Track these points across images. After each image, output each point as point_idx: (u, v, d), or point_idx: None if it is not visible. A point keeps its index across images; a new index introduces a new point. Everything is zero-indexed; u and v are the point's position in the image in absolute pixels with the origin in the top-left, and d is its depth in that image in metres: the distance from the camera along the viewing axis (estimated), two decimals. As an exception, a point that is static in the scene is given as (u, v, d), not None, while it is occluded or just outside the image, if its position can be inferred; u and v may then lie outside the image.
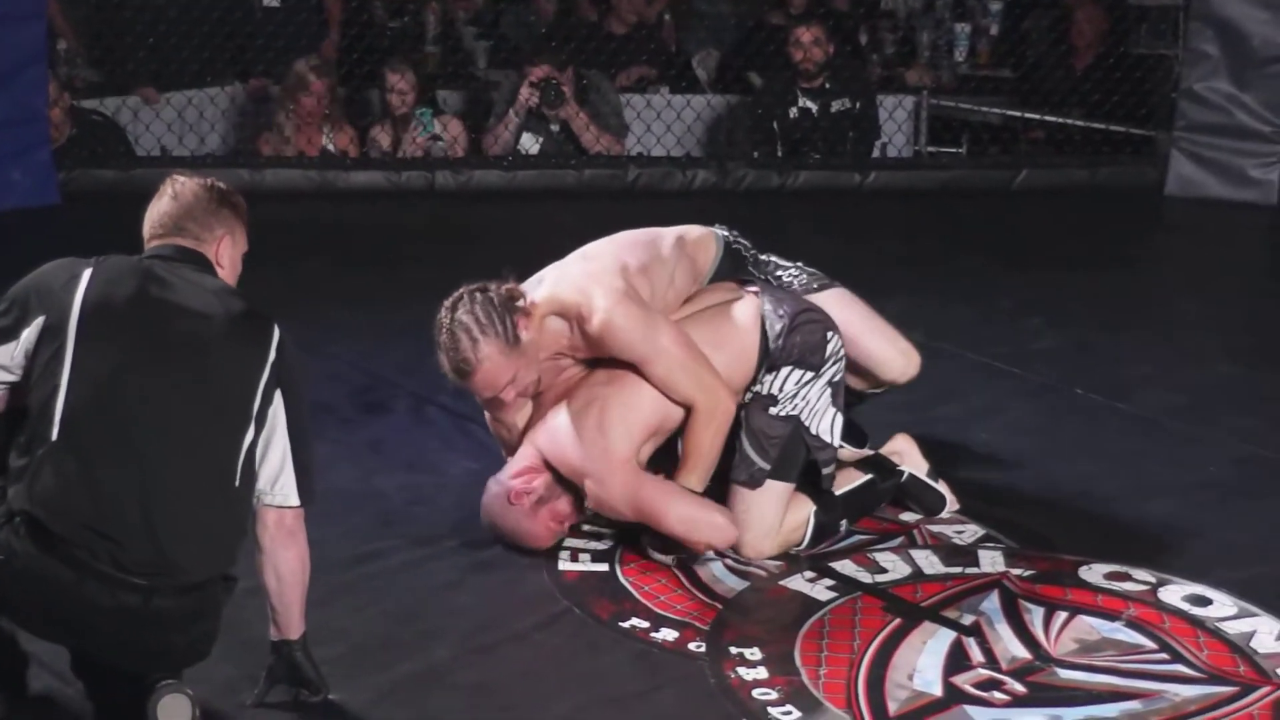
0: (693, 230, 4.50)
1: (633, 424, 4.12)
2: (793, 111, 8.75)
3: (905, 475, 4.52)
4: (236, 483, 3.24)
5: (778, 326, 4.25)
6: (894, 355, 4.63)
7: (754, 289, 4.37)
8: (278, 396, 3.28)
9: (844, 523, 4.37)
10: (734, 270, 4.46)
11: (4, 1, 7.52)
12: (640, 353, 4.12)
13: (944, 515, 4.54)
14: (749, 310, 4.29)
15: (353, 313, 6.30)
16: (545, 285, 4.21)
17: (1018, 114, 9.59)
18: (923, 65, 10.12)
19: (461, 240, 7.49)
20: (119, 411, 3.15)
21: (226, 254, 3.45)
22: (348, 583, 4.08)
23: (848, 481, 4.40)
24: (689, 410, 4.15)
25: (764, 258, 4.55)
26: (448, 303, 4.08)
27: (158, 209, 3.44)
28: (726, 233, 4.55)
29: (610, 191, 8.26)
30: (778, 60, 9.10)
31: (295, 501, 3.32)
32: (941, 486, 4.56)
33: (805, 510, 4.29)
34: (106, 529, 3.10)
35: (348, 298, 6.46)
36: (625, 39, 9.43)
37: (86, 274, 3.26)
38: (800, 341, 4.24)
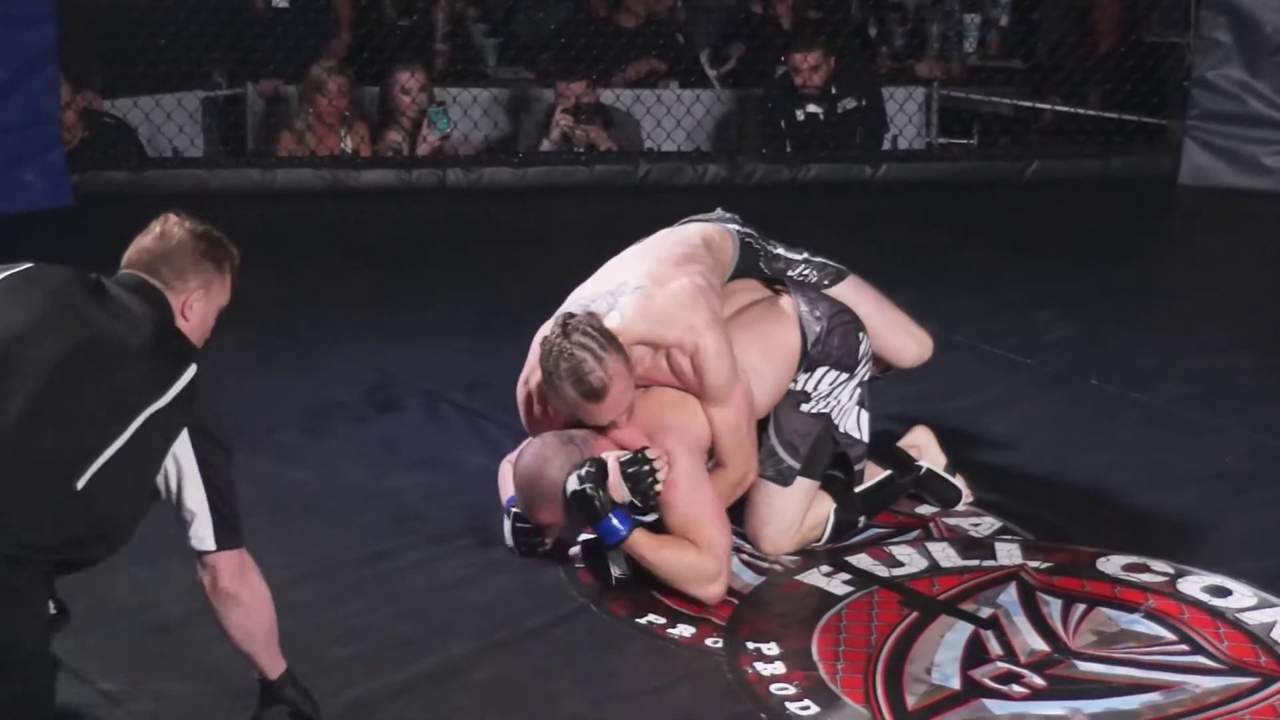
0: (711, 230, 4.42)
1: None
2: (799, 114, 8.74)
3: (923, 470, 4.50)
4: (78, 484, 2.99)
5: (816, 329, 4.24)
6: (908, 342, 4.62)
7: (783, 288, 4.35)
8: (184, 437, 3.09)
9: (862, 519, 4.36)
10: (749, 266, 4.43)
11: (14, 4, 7.51)
12: (718, 392, 4.02)
13: (959, 508, 4.53)
14: (788, 317, 4.26)
15: (365, 311, 6.30)
16: (628, 314, 3.99)
17: (1028, 104, 9.57)
18: (932, 57, 10.10)
19: (473, 238, 7.49)
20: None
21: (196, 307, 3.28)
22: (362, 580, 4.08)
23: (866, 478, 4.39)
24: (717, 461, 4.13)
25: (772, 248, 4.52)
26: (554, 331, 3.87)
27: (140, 243, 3.32)
28: (737, 226, 4.50)
29: (621, 187, 8.25)
30: (770, 55, 9.11)
31: (210, 546, 3.13)
32: (959, 481, 4.54)
33: (825, 508, 4.28)
34: None
35: (359, 296, 6.46)
36: (635, 33, 9.42)
37: (20, 266, 3.20)
38: (838, 345, 4.25)
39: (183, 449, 3.11)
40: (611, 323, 3.93)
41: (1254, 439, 5.10)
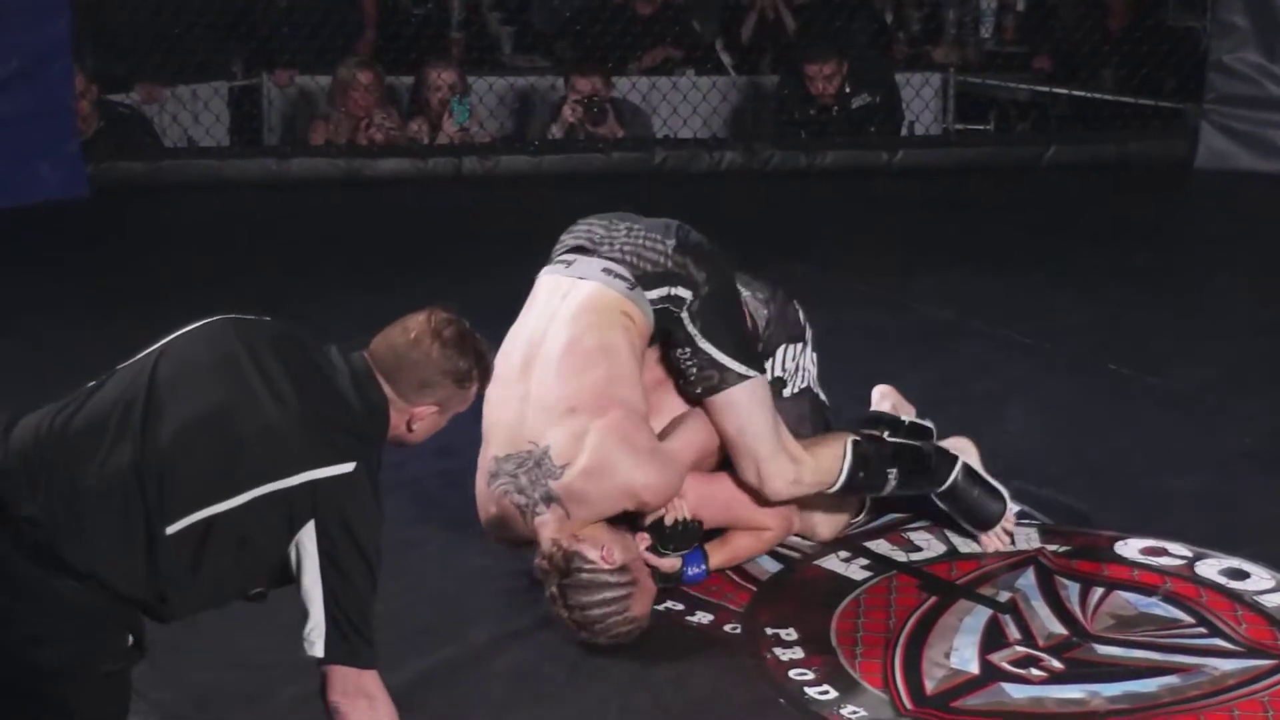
0: (608, 311, 3.90)
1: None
2: (811, 110, 8.74)
3: (960, 462, 4.21)
4: (167, 530, 2.82)
5: (764, 313, 4.16)
6: None
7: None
8: (310, 529, 2.89)
9: (893, 472, 4.12)
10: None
11: (29, -4, 7.54)
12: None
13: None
14: None
15: (382, 299, 6.27)
16: (573, 510, 3.73)
17: (1045, 89, 9.55)
18: (949, 42, 10.08)
19: (490, 226, 7.48)
20: (137, 391, 2.90)
21: (423, 424, 3.09)
22: (384, 569, 4.06)
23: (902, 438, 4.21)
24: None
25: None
26: (551, 585, 3.70)
27: (390, 338, 3.06)
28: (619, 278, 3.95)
29: (637, 174, 8.25)
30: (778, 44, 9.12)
31: (318, 653, 2.90)
32: (998, 484, 4.26)
33: (840, 444, 4.07)
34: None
35: (376, 284, 6.45)
36: (651, 20, 9.41)
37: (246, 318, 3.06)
38: (784, 319, 4.20)
39: (308, 540, 2.90)
40: (555, 518, 3.72)
41: (1272, 422, 5.09)
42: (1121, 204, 8.14)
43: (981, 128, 9.68)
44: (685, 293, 3.91)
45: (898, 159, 8.60)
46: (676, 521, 3.87)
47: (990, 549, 4.20)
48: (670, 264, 3.93)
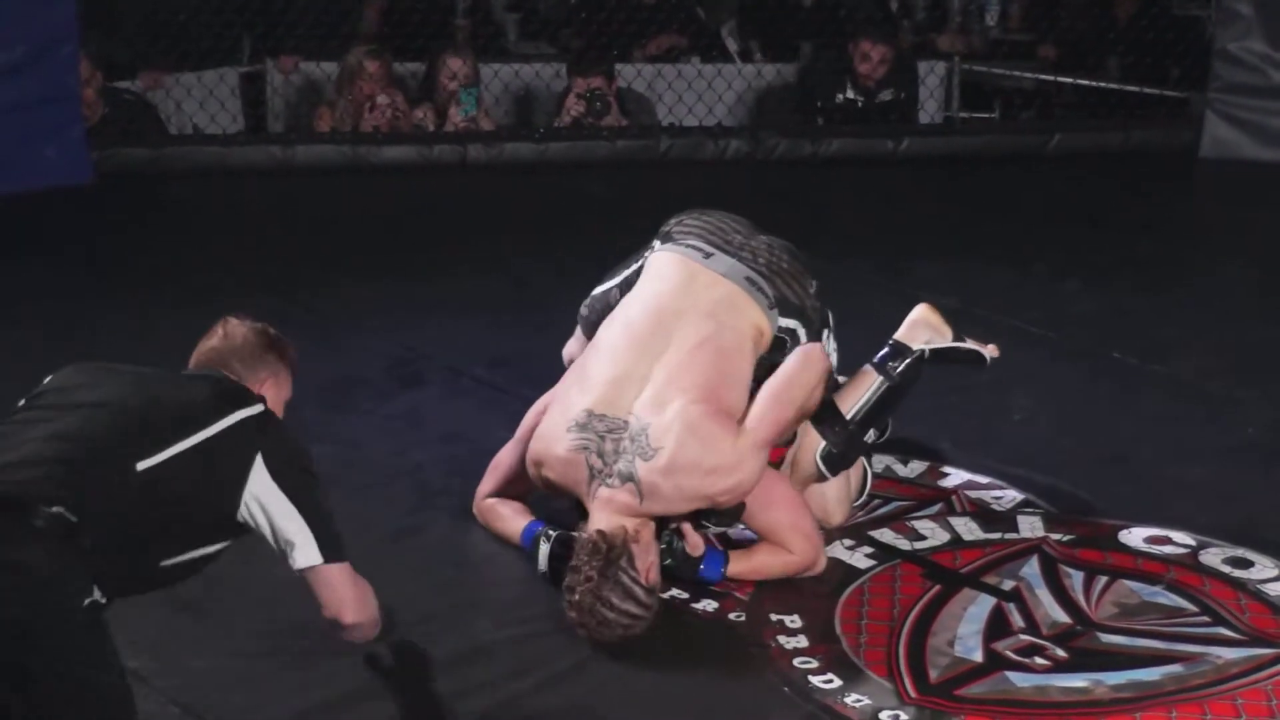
0: (746, 320, 3.97)
1: None
2: (839, 97, 8.74)
3: (924, 353, 4.31)
4: (138, 465, 2.98)
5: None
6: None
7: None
8: (260, 467, 3.08)
9: (871, 434, 4.25)
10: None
11: (35, -18, 7.53)
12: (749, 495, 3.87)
13: (982, 480, 4.48)
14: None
15: (386, 286, 6.30)
16: (645, 490, 3.71)
17: (1050, 78, 9.54)
18: (954, 30, 10.07)
19: (495, 213, 7.49)
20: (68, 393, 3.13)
21: (269, 396, 3.30)
22: (388, 556, 4.09)
23: (858, 394, 4.23)
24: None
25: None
26: (586, 573, 3.62)
27: (205, 345, 3.37)
28: (748, 270, 4.04)
29: (643, 162, 8.24)
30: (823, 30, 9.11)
31: (316, 559, 3.12)
32: (972, 343, 4.39)
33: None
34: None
35: (381, 272, 6.46)
36: (656, 8, 9.40)
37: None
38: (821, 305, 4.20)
39: (263, 486, 3.09)
40: (627, 497, 3.71)
41: (1276, 411, 5.09)
42: (1126, 193, 8.13)
43: (986, 116, 9.67)
44: (804, 338, 4.01)
45: (903, 147, 8.60)
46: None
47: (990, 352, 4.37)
48: (808, 305, 4.04)
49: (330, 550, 3.13)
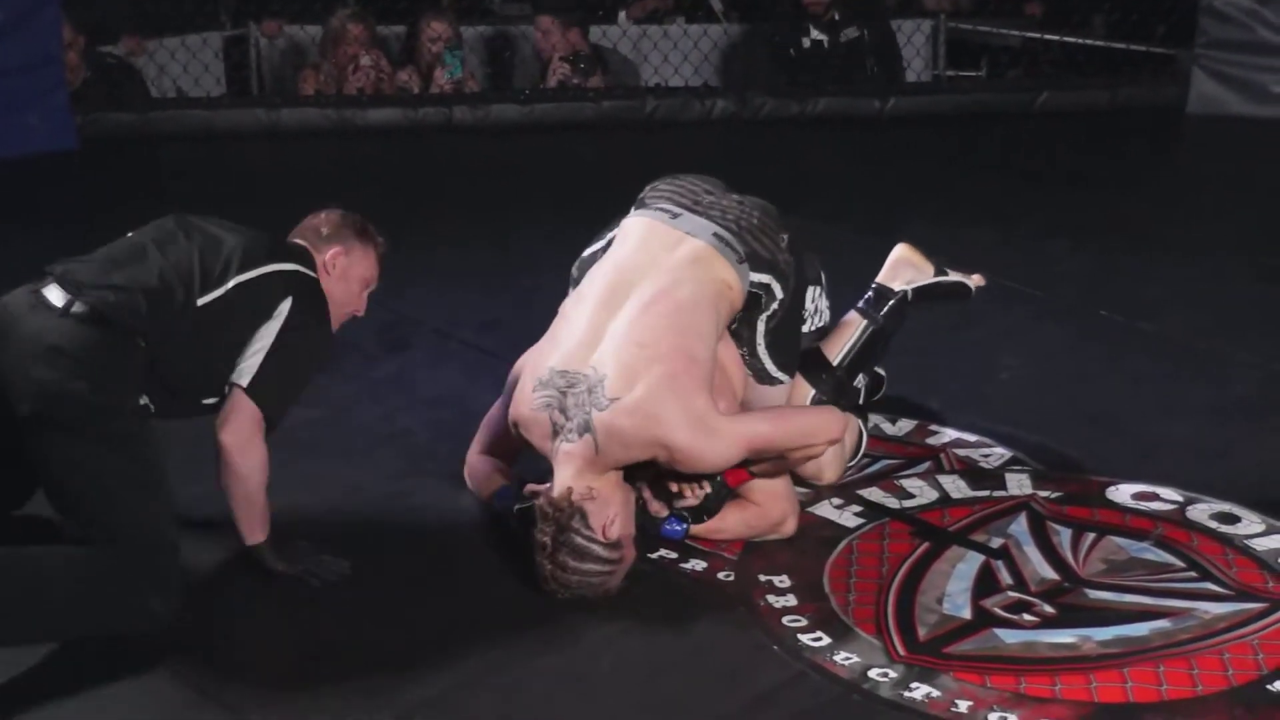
0: (711, 273, 3.93)
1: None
2: (805, 42, 8.71)
3: (907, 294, 4.36)
4: (198, 301, 3.58)
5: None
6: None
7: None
8: (286, 305, 3.66)
9: (861, 380, 4.30)
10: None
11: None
12: (714, 459, 3.80)
13: (970, 439, 4.51)
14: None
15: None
16: (601, 441, 3.68)
17: (1037, 35, 9.53)
18: (940, -12, 10.06)
19: (481, 175, 7.48)
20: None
21: (340, 264, 3.87)
22: (378, 523, 4.10)
23: (843, 340, 4.28)
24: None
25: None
26: (543, 540, 3.64)
27: (297, 229, 3.90)
28: (716, 227, 4.01)
29: (628, 123, 8.23)
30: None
31: (243, 380, 3.59)
32: (955, 275, 4.41)
33: (853, 421, 4.26)
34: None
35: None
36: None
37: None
38: (809, 261, 4.20)
39: (276, 320, 3.65)
40: (584, 449, 3.68)
41: (1264, 367, 5.10)
42: (1113, 150, 8.13)
43: (973, 74, 9.66)
44: (779, 293, 3.98)
45: (890, 106, 8.59)
46: (704, 497, 3.85)
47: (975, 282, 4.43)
48: (780, 259, 4.00)
49: (259, 391, 3.59)
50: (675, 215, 4.02)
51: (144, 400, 3.54)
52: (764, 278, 3.97)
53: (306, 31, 8.71)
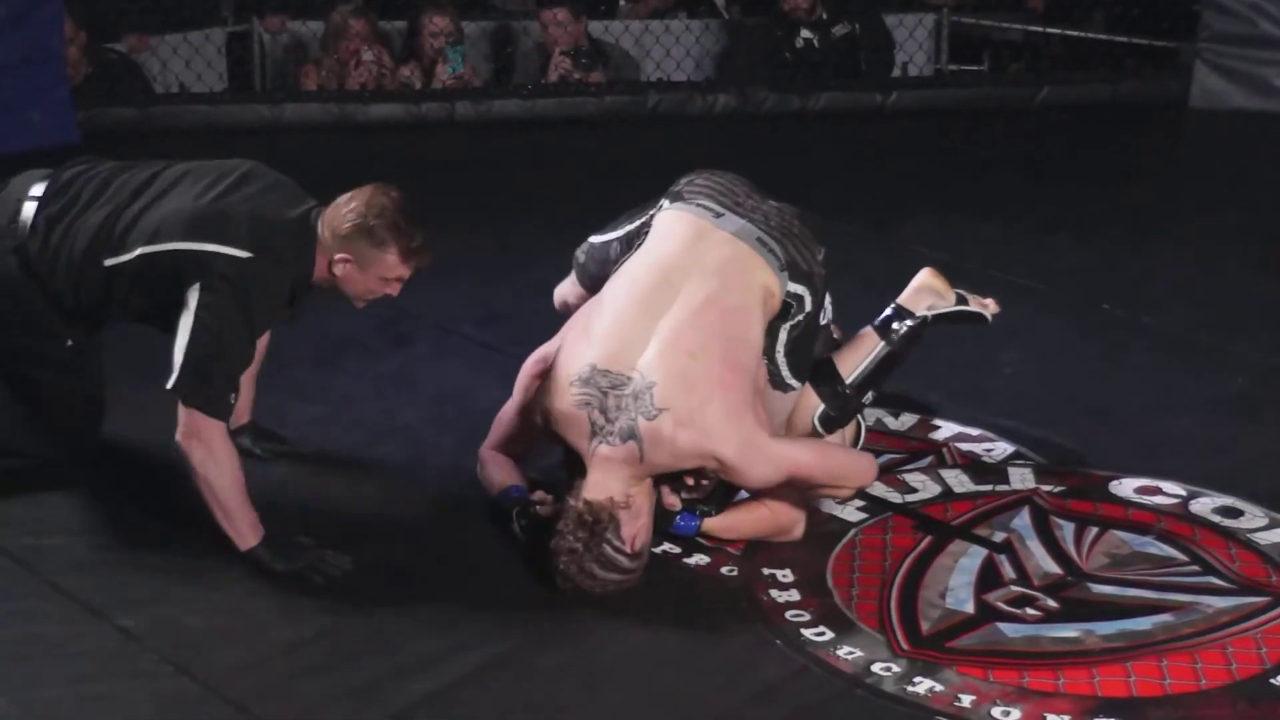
0: (755, 280, 3.92)
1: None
2: (798, 42, 8.70)
3: (927, 319, 4.31)
4: (105, 262, 3.82)
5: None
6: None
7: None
8: (196, 288, 3.69)
9: (869, 396, 4.26)
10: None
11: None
12: (759, 479, 3.82)
13: (973, 432, 4.50)
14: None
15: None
16: (647, 449, 3.67)
17: (1039, 29, 9.51)
18: (943, -18, 10.04)
19: (483, 170, 7.46)
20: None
21: (342, 270, 3.86)
22: (380, 518, 4.10)
23: (858, 358, 4.23)
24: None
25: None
26: (573, 538, 3.63)
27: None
28: (759, 231, 4.00)
29: (630, 118, 8.22)
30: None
31: (167, 385, 3.66)
32: (975, 304, 4.39)
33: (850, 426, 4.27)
34: None
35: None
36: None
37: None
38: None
39: (191, 298, 3.68)
40: (628, 455, 3.66)
41: (1266, 361, 5.10)
42: (1116, 144, 8.12)
43: (975, 68, 9.65)
44: (808, 305, 3.96)
45: (891, 100, 8.57)
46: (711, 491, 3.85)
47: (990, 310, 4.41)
48: (815, 271, 3.98)
49: (184, 393, 3.66)
50: (719, 215, 3.97)
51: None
52: (799, 288, 3.94)
53: (309, 27, 8.70)
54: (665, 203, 4.07)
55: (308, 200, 3.94)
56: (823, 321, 4.20)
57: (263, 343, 4.01)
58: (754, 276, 3.89)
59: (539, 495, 3.86)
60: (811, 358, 4.11)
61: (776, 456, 3.73)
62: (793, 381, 4.04)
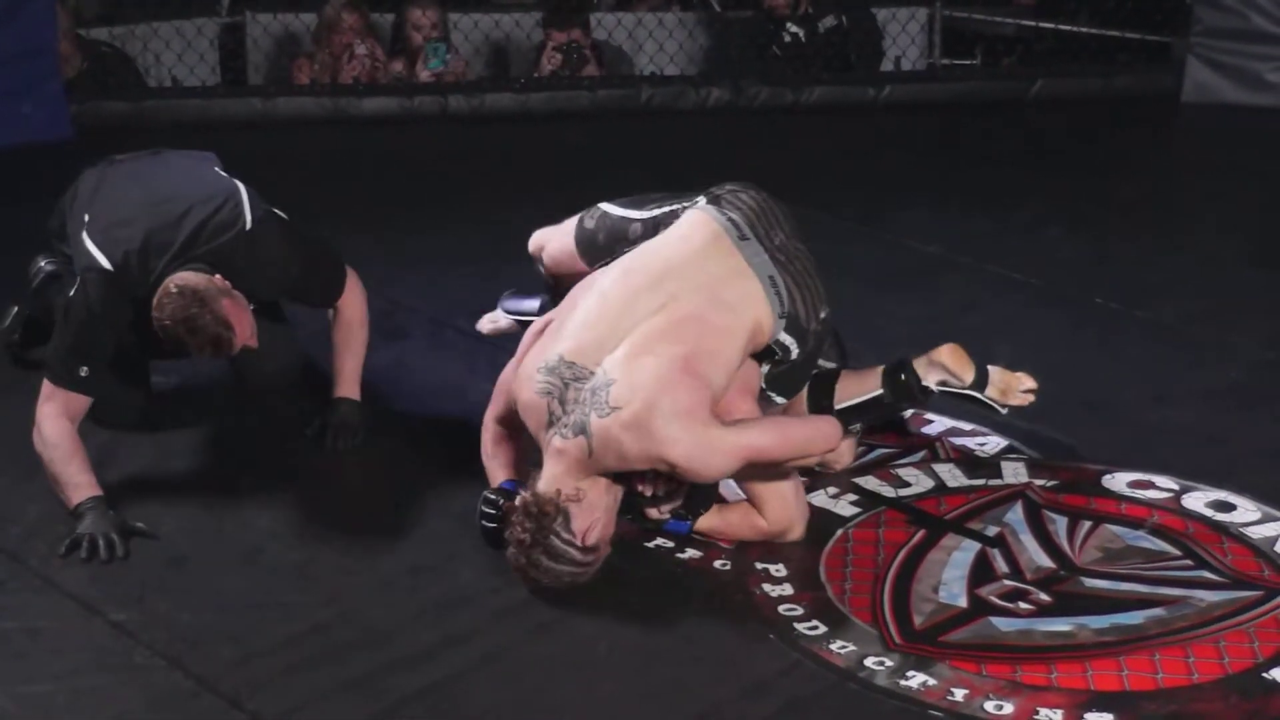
0: (748, 316, 3.85)
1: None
2: (785, 37, 8.69)
3: (930, 391, 4.25)
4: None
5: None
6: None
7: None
8: (74, 289, 4.16)
9: (856, 427, 4.27)
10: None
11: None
12: (710, 472, 3.75)
13: (966, 427, 4.51)
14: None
15: (368, 239, 6.26)
16: (596, 446, 3.63)
17: (1031, 23, 9.51)
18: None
19: (476, 164, 7.46)
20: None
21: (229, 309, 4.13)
22: (374, 509, 4.10)
23: (854, 391, 4.22)
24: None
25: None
26: (521, 530, 3.62)
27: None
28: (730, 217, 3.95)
29: (624, 111, 8.21)
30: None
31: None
32: (992, 394, 4.25)
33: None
34: None
35: (362, 224, 6.42)
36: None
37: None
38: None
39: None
40: (577, 450, 3.61)
41: (1259, 354, 5.11)
42: (1108, 138, 8.12)
43: (968, 62, 9.64)
44: (794, 355, 3.91)
45: (884, 94, 8.57)
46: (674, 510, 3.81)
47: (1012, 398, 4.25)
48: (810, 330, 3.91)
49: (50, 371, 4.06)
50: (744, 237, 3.89)
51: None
52: (789, 340, 3.88)
53: (301, 20, 8.69)
54: (701, 200, 4.00)
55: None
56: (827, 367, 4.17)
57: None
58: (750, 307, 3.82)
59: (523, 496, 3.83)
60: (801, 383, 4.07)
61: (730, 446, 3.65)
62: (777, 399, 4.00)
